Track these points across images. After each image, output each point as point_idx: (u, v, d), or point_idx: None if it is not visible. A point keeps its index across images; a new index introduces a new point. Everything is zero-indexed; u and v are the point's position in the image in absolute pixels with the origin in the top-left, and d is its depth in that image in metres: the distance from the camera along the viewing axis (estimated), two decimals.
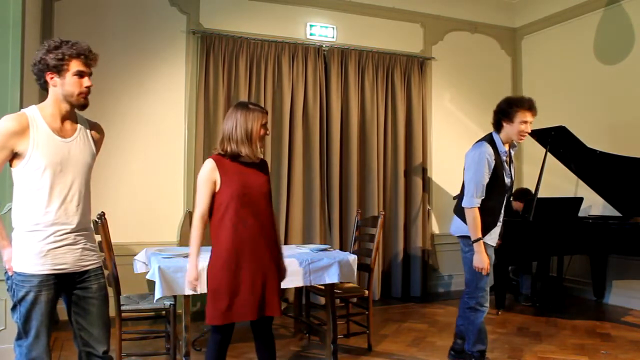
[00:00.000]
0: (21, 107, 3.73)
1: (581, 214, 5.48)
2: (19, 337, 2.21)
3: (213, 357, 2.71)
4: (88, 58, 2.19)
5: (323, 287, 3.85)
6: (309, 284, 3.67)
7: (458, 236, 3.56)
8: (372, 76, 5.98)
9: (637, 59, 5.47)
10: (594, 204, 5.66)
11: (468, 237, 3.42)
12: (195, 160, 5.26)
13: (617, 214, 5.26)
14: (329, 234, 5.71)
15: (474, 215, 3.32)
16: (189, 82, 5.33)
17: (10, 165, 2.18)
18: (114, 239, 3.53)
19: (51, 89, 2.19)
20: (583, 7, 6.00)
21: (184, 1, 5.34)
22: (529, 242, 4.88)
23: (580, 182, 5.48)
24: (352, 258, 3.76)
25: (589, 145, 4.97)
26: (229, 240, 2.62)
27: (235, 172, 2.65)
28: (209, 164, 2.64)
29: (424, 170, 6.23)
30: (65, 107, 2.21)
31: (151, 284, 3.45)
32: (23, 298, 2.16)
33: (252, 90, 5.45)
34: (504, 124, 3.42)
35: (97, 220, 3.41)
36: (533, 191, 5.13)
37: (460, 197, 3.54)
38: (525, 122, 3.37)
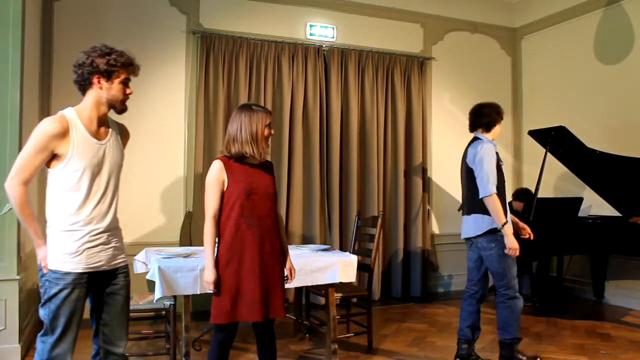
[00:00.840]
0: (21, 107, 3.75)
1: (581, 214, 5.48)
2: (44, 333, 2.23)
3: (215, 356, 2.71)
4: (135, 68, 2.35)
5: (323, 287, 3.84)
6: (309, 284, 3.67)
7: (477, 236, 3.62)
8: (372, 76, 5.98)
9: (637, 59, 5.47)
10: (594, 204, 5.66)
11: (489, 233, 3.54)
12: (195, 161, 5.27)
13: (617, 214, 5.26)
14: (329, 234, 5.71)
15: (494, 201, 3.45)
16: (189, 82, 5.34)
17: (48, 167, 2.22)
18: None
19: (94, 92, 2.26)
20: (583, 7, 6.00)
21: (184, 1, 5.34)
22: (529, 242, 4.87)
23: (580, 182, 5.48)
24: (352, 258, 3.76)
25: (589, 145, 4.97)
26: (232, 240, 2.64)
27: (241, 172, 2.67)
28: (217, 165, 2.67)
29: (424, 170, 6.23)
30: (104, 110, 2.30)
31: (151, 284, 3.45)
32: (55, 295, 2.19)
33: (252, 90, 5.45)
34: (492, 128, 3.77)
35: None
36: (533, 191, 5.13)
37: (469, 199, 3.67)
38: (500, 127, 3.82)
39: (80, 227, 2.22)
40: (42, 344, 2.23)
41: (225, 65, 5.35)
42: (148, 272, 3.52)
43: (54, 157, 2.19)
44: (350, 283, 4.14)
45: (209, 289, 2.68)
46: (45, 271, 2.21)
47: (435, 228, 6.39)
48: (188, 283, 3.25)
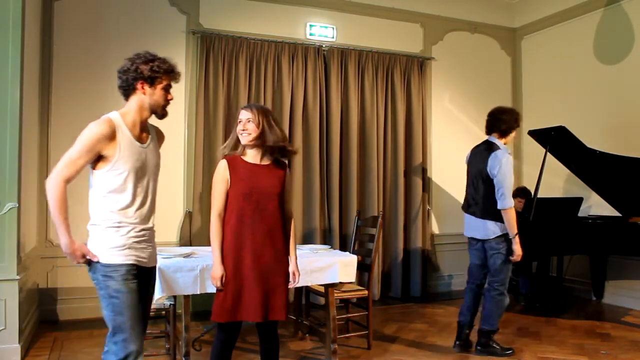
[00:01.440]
0: (21, 107, 3.75)
1: (581, 214, 5.48)
2: (114, 333, 2.23)
3: (216, 356, 2.71)
4: (176, 75, 2.40)
5: (323, 287, 3.85)
6: (309, 284, 3.67)
7: (491, 238, 3.90)
8: (371, 76, 5.98)
9: (637, 59, 5.47)
10: (594, 204, 5.66)
11: (501, 237, 3.86)
12: (195, 160, 5.26)
13: (616, 214, 5.26)
14: (329, 233, 5.71)
15: (512, 214, 3.78)
16: (189, 82, 5.33)
17: (93, 168, 2.27)
18: None
19: (137, 97, 2.33)
20: (583, 7, 6.00)
21: (184, 1, 5.34)
22: (529, 242, 4.87)
23: (580, 182, 5.48)
24: (352, 258, 3.76)
25: (589, 145, 4.96)
26: (233, 239, 2.65)
27: (245, 171, 2.69)
28: (221, 164, 2.72)
29: (424, 170, 6.23)
30: (146, 115, 2.37)
31: None
32: (114, 289, 2.21)
33: (252, 90, 5.45)
34: (508, 134, 3.94)
35: None
36: (533, 191, 5.13)
37: (485, 205, 3.88)
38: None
39: (125, 224, 2.28)
40: (115, 345, 2.23)
41: (225, 66, 5.35)
42: None
43: (99, 158, 2.24)
44: (350, 283, 4.15)
45: (216, 285, 2.69)
46: (95, 260, 2.23)
47: (435, 228, 6.39)
48: (188, 283, 3.25)
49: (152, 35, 5.23)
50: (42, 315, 4.78)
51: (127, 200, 2.28)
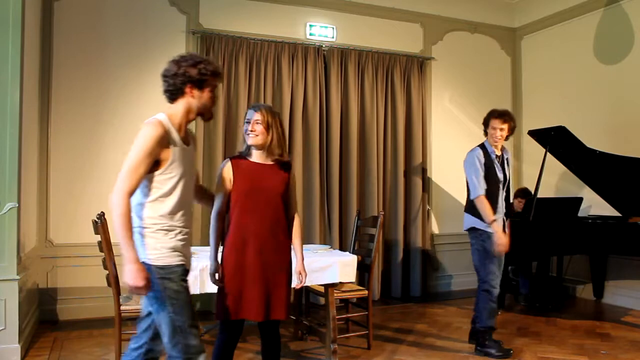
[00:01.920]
0: (21, 107, 3.75)
1: (581, 214, 5.48)
2: (173, 336, 2.20)
3: (217, 355, 2.72)
4: (221, 76, 2.40)
5: (323, 287, 3.84)
6: (309, 284, 3.67)
7: (465, 230, 4.06)
8: (371, 76, 5.98)
9: (637, 59, 5.47)
10: (594, 204, 5.66)
11: (472, 230, 3.97)
12: None
13: (616, 214, 5.26)
14: (328, 234, 5.71)
15: (482, 202, 3.86)
16: None
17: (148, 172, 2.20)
18: (113, 239, 3.52)
19: (185, 100, 2.29)
20: (583, 7, 6.00)
21: (184, 1, 5.34)
22: (529, 242, 4.88)
23: (580, 182, 5.48)
24: (352, 258, 3.76)
25: (589, 145, 4.97)
26: (234, 238, 2.66)
27: (248, 171, 2.69)
28: (225, 163, 2.74)
29: (424, 170, 6.23)
30: (192, 117, 2.35)
31: None
32: (173, 290, 2.19)
33: (252, 90, 5.45)
34: (487, 131, 4.06)
35: (97, 220, 3.41)
36: (533, 191, 5.13)
37: (467, 199, 4.05)
38: (495, 128, 3.96)
39: (173, 227, 2.26)
40: (176, 348, 2.20)
41: (225, 66, 5.34)
42: None
43: (154, 163, 2.20)
44: (350, 283, 4.15)
45: (212, 282, 2.72)
46: (141, 286, 2.12)
47: (435, 228, 6.40)
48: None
49: (152, 35, 5.23)
50: (42, 315, 4.78)
51: (176, 204, 2.25)
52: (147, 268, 2.16)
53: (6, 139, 3.65)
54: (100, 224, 3.39)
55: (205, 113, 2.36)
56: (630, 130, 5.51)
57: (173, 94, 2.29)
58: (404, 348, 4.17)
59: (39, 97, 4.78)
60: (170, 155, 2.22)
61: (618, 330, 4.69)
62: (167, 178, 2.22)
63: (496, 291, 3.93)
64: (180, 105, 2.30)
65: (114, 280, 3.42)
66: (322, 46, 5.80)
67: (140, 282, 2.11)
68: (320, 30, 5.87)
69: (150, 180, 2.21)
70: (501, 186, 3.97)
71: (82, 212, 4.85)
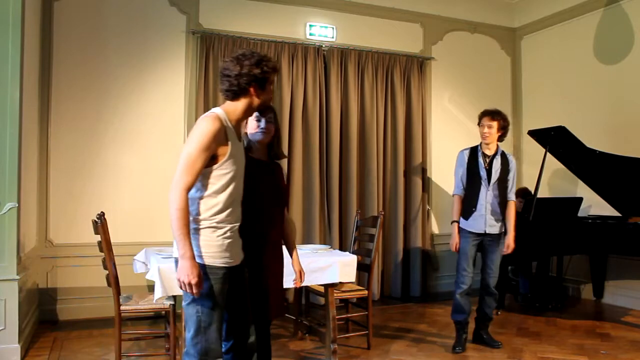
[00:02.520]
0: (21, 106, 3.75)
1: (581, 214, 5.48)
2: (196, 333, 2.20)
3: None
4: (278, 69, 2.33)
5: (323, 287, 3.84)
6: (308, 284, 3.66)
7: None
8: (371, 76, 5.98)
9: (637, 59, 5.47)
10: (594, 204, 5.66)
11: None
12: None
13: (616, 214, 5.26)
14: (328, 234, 5.71)
15: (455, 201, 4.14)
16: (189, 82, 5.33)
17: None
18: (113, 239, 3.53)
19: (247, 99, 2.27)
20: (583, 7, 6.00)
21: (183, 1, 5.34)
22: (529, 242, 4.88)
23: (580, 182, 5.47)
24: (352, 258, 3.76)
25: (589, 145, 4.97)
26: None
27: (251, 167, 2.67)
28: None
29: (424, 170, 6.23)
30: (251, 114, 2.39)
31: (151, 283, 3.45)
32: (207, 289, 2.18)
33: None
34: (480, 130, 4.13)
35: (97, 220, 3.41)
36: (533, 191, 5.13)
37: None
38: (483, 125, 4.06)
39: (223, 225, 2.23)
40: (195, 347, 2.20)
41: None
42: (148, 272, 3.52)
43: (211, 157, 2.18)
44: (350, 283, 4.15)
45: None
46: (194, 283, 2.12)
47: (435, 228, 6.39)
48: None
49: (151, 35, 5.23)
50: (42, 315, 4.78)
51: (228, 201, 2.23)
52: None
53: (6, 138, 3.65)
54: (100, 224, 3.39)
55: (263, 107, 2.40)
56: (630, 130, 5.51)
57: (236, 94, 2.25)
58: (403, 348, 4.17)
59: (39, 96, 4.78)
60: (227, 151, 2.19)
61: (618, 330, 4.69)
62: (223, 174, 2.20)
63: (463, 286, 4.01)
64: (242, 103, 2.28)
65: (113, 280, 3.42)
66: (322, 46, 5.80)
67: (193, 279, 2.10)
68: (320, 30, 5.87)
69: (206, 176, 2.19)
70: (484, 184, 3.99)
71: (82, 212, 4.85)
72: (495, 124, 4.00)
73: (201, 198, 2.20)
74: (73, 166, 4.93)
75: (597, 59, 5.89)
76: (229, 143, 2.20)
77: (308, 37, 5.81)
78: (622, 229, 4.77)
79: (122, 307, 3.45)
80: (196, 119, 5.28)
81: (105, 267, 3.46)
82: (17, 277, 3.65)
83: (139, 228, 5.06)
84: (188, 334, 2.22)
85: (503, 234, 4.07)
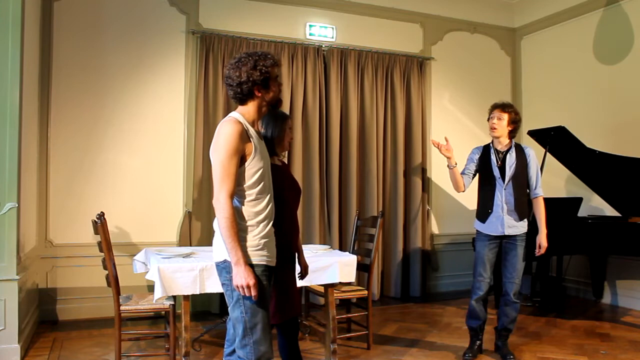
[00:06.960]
0: (21, 107, 3.75)
1: (581, 213, 5.48)
2: (244, 336, 2.21)
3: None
4: (279, 63, 2.41)
5: (323, 287, 3.84)
6: (308, 284, 3.66)
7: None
8: (371, 76, 5.98)
9: (637, 59, 5.47)
10: (594, 204, 5.66)
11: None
12: (194, 161, 5.26)
13: (616, 214, 5.26)
14: (328, 234, 5.71)
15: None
16: (189, 82, 5.33)
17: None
18: (113, 239, 3.54)
19: (256, 102, 2.33)
20: (583, 7, 6.00)
21: (183, 1, 5.34)
22: (528, 242, 4.87)
23: (580, 182, 5.48)
24: (352, 258, 3.76)
25: (589, 145, 4.97)
26: None
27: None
28: None
29: (424, 171, 6.23)
30: (265, 111, 2.41)
31: (151, 284, 3.45)
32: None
33: None
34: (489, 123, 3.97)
35: (97, 220, 3.41)
36: None
37: None
38: (492, 117, 3.87)
39: (259, 223, 2.26)
40: (244, 350, 2.21)
41: (224, 65, 5.34)
42: (147, 272, 3.52)
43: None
44: (350, 283, 4.15)
45: None
46: (252, 285, 2.14)
47: (434, 228, 6.39)
48: (187, 283, 3.25)
49: (151, 35, 5.23)
50: (42, 315, 4.78)
51: (260, 197, 2.27)
52: (228, 265, 2.19)
53: (6, 139, 3.65)
54: (100, 224, 3.39)
55: (273, 102, 2.41)
56: (630, 130, 5.51)
57: (243, 99, 2.33)
58: (403, 348, 4.17)
59: (39, 97, 4.78)
60: (252, 148, 2.25)
61: (618, 330, 4.69)
62: (252, 172, 2.25)
63: (479, 292, 3.83)
64: (252, 105, 2.34)
65: (113, 280, 3.42)
66: (322, 46, 5.80)
67: (250, 280, 2.13)
68: (320, 30, 5.87)
69: (239, 178, 2.23)
70: (499, 183, 3.78)
71: (82, 212, 4.85)
72: (506, 116, 3.78)
73: (238, 201, 2.25)
74: (73, 166, 4.93)
75: (597, 59, 5.89)
76: (252, 140, 2.26)
77: (308, 37, 5.81)
78: (622, 229, 4.77)
79: (122, 307, 3.45)
80: (196, 119, 5.35)
81: (105, 267, 3.46)
82: (17, 277, 3.65)
83: (139, 228, 5.06)
84: (237, 337, 2.24)
85: (527, 234, 3.86)
